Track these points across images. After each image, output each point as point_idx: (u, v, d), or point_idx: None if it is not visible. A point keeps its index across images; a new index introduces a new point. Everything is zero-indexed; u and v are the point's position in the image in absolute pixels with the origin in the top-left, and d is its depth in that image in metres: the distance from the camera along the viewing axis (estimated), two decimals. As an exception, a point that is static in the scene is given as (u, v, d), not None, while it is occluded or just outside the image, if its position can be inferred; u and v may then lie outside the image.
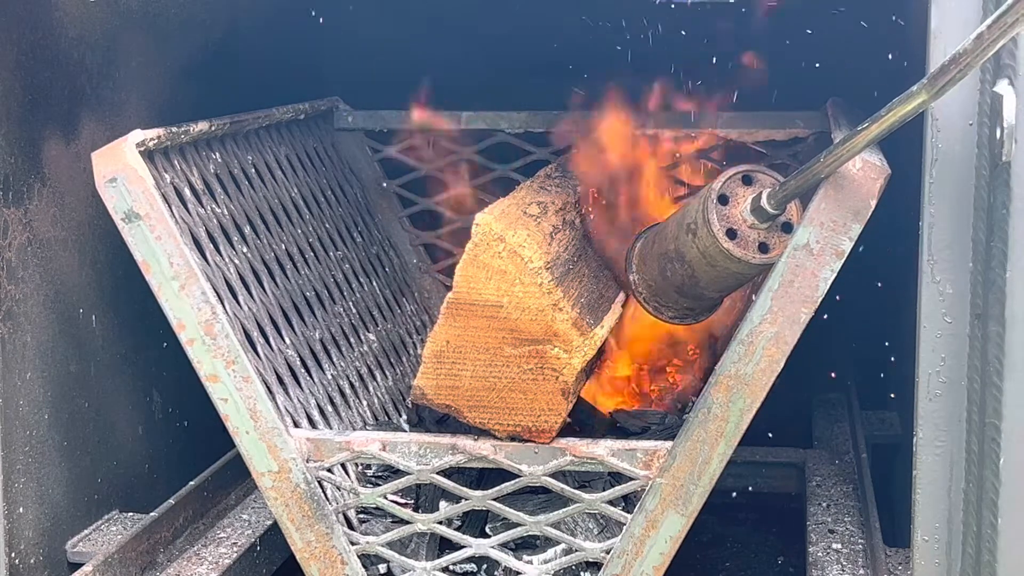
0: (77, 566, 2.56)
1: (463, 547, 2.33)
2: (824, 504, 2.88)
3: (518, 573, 2.33)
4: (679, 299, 2.46)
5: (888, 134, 1.87)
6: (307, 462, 2.27)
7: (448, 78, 3.25)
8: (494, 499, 2.27)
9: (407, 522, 2.33)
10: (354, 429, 2.67)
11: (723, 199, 2.20)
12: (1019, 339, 1.92)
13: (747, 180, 2.21)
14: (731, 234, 2.19)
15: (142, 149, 2.24)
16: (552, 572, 2.32)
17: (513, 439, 2.23)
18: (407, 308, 3.29)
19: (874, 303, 3.37)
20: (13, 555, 2.47)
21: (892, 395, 3.41)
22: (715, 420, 2.14)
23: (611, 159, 2.82)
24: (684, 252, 2.29)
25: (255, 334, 2.41)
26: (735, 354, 2.11)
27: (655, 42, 3.28)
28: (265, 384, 2.28)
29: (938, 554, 2.06)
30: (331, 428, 2.58)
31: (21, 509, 2.50)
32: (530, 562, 2.34)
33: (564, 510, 2.27)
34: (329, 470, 2.29)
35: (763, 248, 2.19)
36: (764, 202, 2.14)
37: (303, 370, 2.57)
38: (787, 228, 2.19)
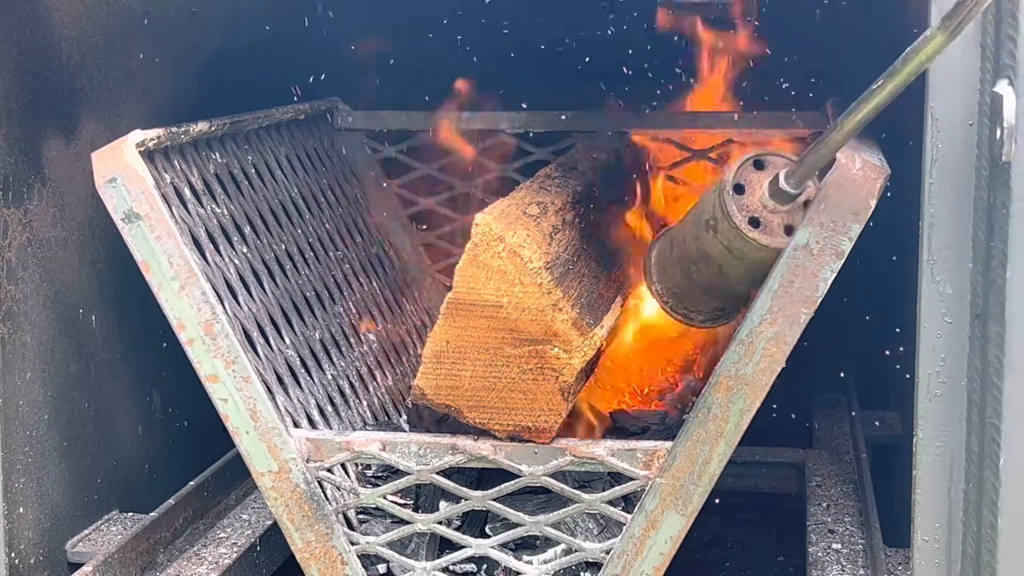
0: (77, 566, 2.56)
1: (463, 547, 2.33)
2: (824, 504, 2.88)
3: (518, 573, 2.33)
4: (708, 301, 2.38)
5: (904, 88, 1.81)
6: (307, 462, 2.27)
7: (448, 78, 3.24)
8: (494, 499, 2.27)
9: (407, 522, 2.33)
10: (354, 429, 2.67)
11: (739, 188, 2.12)
12: (1019, 339, 1.92)
13: (759, 165, 2.14)
14: (754, 222, 2.10)
15: (142, 149, 2.24)
16: (552, 572, 2.32)
17: (513, 439, 2.23)
18: (407, 308, 3.28)
19: (874, 303, 3.36)
20: (13, 555, 2.47)
21: (892, 395, 3.40)
22: (715, 420, 2.14)
23: (609, 159, 2.82)
24: (708, 251, 2.21)
25: (255, 334, 2.41)
26: (735, 354, 2.11)
27: (655, 42, 3.28)
28: (265, 384, 2.28)
29: (938, 554, 2.06)
30: (331, 428, 2.58)
31: (21, 509, 2.50)
32: (530, 562, 2.34)
33: (564, 510, 2.27)
34: (329, 470, 2.29)
35: (789, 231, 2.10)
36: (783, 183, 2.07)
37: (303, 370, 2.57)
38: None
